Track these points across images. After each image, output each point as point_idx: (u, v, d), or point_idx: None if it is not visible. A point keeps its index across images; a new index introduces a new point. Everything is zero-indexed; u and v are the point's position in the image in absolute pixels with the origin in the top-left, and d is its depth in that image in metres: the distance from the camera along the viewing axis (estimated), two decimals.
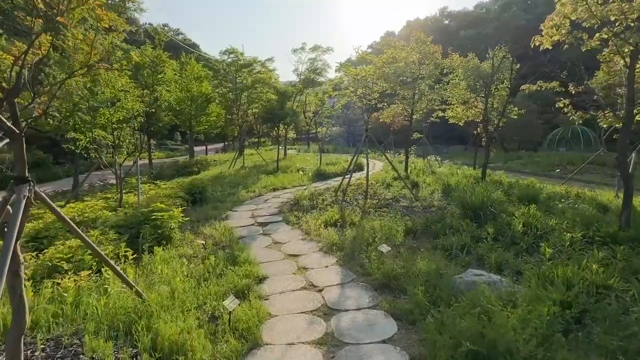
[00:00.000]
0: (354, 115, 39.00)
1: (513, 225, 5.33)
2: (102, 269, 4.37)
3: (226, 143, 41.29)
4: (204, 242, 5.28)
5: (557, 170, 19.09)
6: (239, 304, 3.57)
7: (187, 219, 6.81)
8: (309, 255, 5.31)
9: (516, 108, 12.74)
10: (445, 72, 12.63)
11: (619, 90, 8.18)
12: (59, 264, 4.47)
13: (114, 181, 12.34)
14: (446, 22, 60.07)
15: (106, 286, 3.87)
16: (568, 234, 4.62)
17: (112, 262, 3.53)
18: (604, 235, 4.68)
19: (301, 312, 3.65)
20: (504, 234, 5.21)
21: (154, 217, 5.88)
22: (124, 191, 9.22)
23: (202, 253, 5.25)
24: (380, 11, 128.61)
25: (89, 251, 4.83)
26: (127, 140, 7.21)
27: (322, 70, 21.69)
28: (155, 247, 5.44)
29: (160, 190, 8.30)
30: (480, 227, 5.58)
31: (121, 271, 3.60)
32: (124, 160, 8.14)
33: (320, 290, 4.16)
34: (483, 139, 10.29)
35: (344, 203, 8.10)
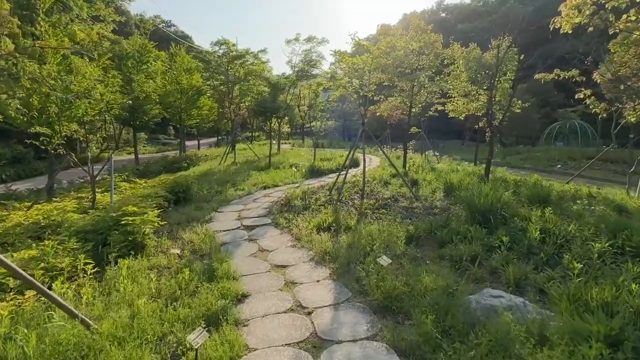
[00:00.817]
0: (350, 109, 38.26)
1: (529, 231, 4.73)
2: (53, 284, 3.73)
3: (219, 137, 40.41)
4: (179, 252, 4.64)
5: (558, 166, 18.59)
6: (210, 336, 2.94)
7: (164, 223, 6.14)
8: (298, 266, 4.68)
9: (520, 102, 12.16)
10: (445, 62, 11.99)
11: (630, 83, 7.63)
12: (3, 280, 3.81)
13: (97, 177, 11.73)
14: (443, 14, 59.20)
15: (52, 312, 3.22)
16: (594, 244, 4.02)
17: (44, 285, 2.86)
18: (636, 246, 4.08)
19: (286, 345, 3.03)
20: (519, 242, 4.60)
21: (124, 221, 5.22)
22: (101, 190, 8.55)
23: (176, 265, 4.59)
24: (376, 4, 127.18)
25: (43, 264, 4.20)
26: (97, 135, 6.48)
27: (317, 62, 20.94)
28: (125, 257, 4.80)
29: (137, 190, 7.60)
30: (491, 234, 4.97)
31: (58, 297, 2.94)
32: (98, 156, 7.43)
33: (309, 313, 3.54)
34: (487, 134, 9.68)
35: (338, 203, 7.48)
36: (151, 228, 5.56)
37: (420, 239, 5.17)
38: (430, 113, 15.08)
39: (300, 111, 26.49)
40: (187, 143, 38.32)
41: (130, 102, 16.26)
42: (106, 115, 6.47)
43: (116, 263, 4.75)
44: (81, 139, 6.72)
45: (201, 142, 37.76)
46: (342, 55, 7.43)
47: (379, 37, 10.37)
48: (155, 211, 5.98)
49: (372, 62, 7.73)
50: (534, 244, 4.52)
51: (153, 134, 48.93)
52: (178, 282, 4.03)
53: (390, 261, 4.18)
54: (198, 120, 27.12)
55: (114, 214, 5.32)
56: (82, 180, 12.12)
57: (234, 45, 22.78)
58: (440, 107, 14.08)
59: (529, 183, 9.04)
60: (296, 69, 19.91)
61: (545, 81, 7.63)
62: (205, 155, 22.66)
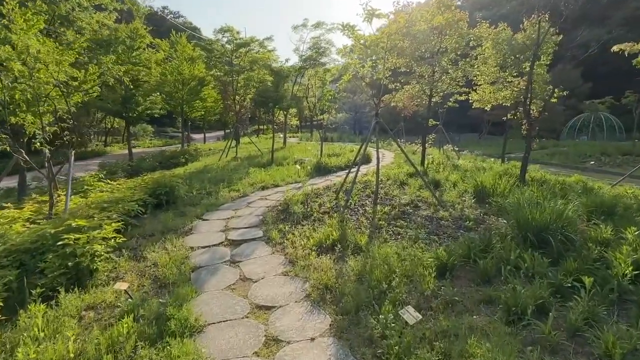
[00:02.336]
0: (361, 101, 36.65)
1: (614, 264, 3.34)
2: None
3: (226, 131, 39.33)
4: (126, 289, 3.43)
5: (592, 162, 16.85)
6: None
7: (122, 240, 4.90)
8: (288, 308, 3.40)
9: (557, 90, 10.57)
10: (471, 44, 10.46)
11: None
12: None
13: (85, 173, 10.54)
14: (459, 2, 56.68)
15: None
16: None
17: None
18: None
19: None
20: (602, 281, 3.23)
21: (65, 240, 4.01)
22: (75, 191, 7.40)
23: (121, 307, 3.36)
24: None
25: None
26: (42, 126, 5.21)
27: (326, 49, 19.51)
28: (58, 290, 3.61)
29: (103, 195, 6.40)
30: (555, 264, 3.62)
31: None
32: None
33: None
34: (523, 127, 8.19)
35: (346, 210, 6.17)
36: (104, 248, 4.34)
37: (455, 269, 3.82)
38: (450, 104, 13.58)
39: (308, 102, 25.12)
40: (195, 136, 37.41)
41: (131, 92, 15.25)
42: (51, 102, 5.19)
43: (52, 298, 3.59)
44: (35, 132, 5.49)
45: (209, 135, 36.77)
46: (351, 30, 6.05)
47: (396, 16, 8.91)
48: (115, 224, 4.76)
49: (389, 39, 6.33)
50: (626, 286, 3.15)
51: (161, 127, 48.16)
52: (110, 340, 2.79)
53: (420, 317, 2.86)
54: (203, 112, 25.95)
55: (52, 231, 4.12)
56: (64, 178, 11.00)
57: (238, 32, 21.47)
58: (459, 97, 12.58)
59: (574, 186, 7.57)
60: (304, 56, 18.54)
61: (573, 70, 6.25)
62: (209, 149, 21.54)
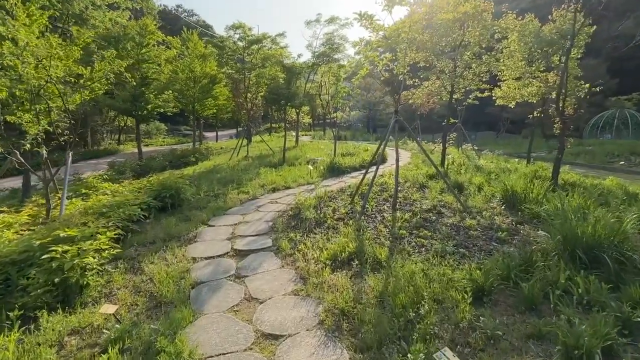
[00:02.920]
0: (375, 98, 35.92)
1: None
2: None
3: (239, 129, 39.17)
4: (114, 312, 3.01)
5: (621, 162, 15.89)
6: None
7: (117, 251, 4.51)
8: (298, 338, 2.92)
9: (586, 85, 9.81)
10: (496, 37, 9.79)
11: None
12: None
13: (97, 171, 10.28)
14: None
15: None
16: None
17: None
18: None
19: None
20: None
21: (52, 253, 3.62)
22: (78, 193, 7.11)
23: (108, 334, 2.93)
24: None
25: None
26: (32, 123, 4.83)
27: (340, 45, 18.94)
28: (41, 310, 3.22)
29: (103, 198, 6.03)
30: (616, 288, 3.05)
31: None
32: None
33: None
34: (555, 126, 7.51)
35: (363, 217, 5.65)
36: (98, 260, 3.94)
37: (492, 292, 3.28)
38: (470, 101, 12.93)
39: (321, 100, 24.59)
40: (207, 134, 37.30)
41: (141, 90, 14.99)
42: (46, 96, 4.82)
43: (35, 319, 3.22)
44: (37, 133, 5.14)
45: (221, 133, 36.63)
46: (370, 20, 5.51)
47: (415, 6, 8.32)
48: (110, 233, 4.36)
49: (410, 29, 5.77)
50: None
51: (174, 125, 48.33)
52: None
53: None
54: (214, 110, 25.69)
55: (37, 242, 3.73)
56: (78, 175, 10.73)
57: (250, 29, 21.07)
58: (480, 94, 11.90)
59: (615, 191, 6.89)
60: (317, 52, 18.01)
61: (600, 65, 5.59)
62: (221, 148, 21.27)
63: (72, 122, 5.39)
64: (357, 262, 4.06)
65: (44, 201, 6.19)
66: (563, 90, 7.05)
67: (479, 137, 37.09)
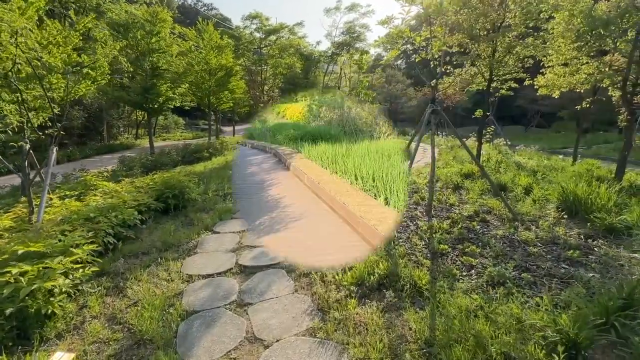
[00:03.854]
0: (397, 91, 34.56)
1: None
2: None
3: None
4: (74, 357, 2.25)
5: None
6: None
7: (94, 269, 3.77)
8: None
9: None
10: (542, 17, 8.58)
11: None
12: None
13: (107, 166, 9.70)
14: None
15: None
16: None
17: None
18: None
19: None
20: None
21: (6, 276, 2.89)
22: (72, 193, 6.49)
23: None
24: None
25: None
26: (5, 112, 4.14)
27: (361, 34, 17.98)
28: None
29: (95, 199, 5.33)
30: None
31: None
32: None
33: None
34: (622, 117, 6.34)
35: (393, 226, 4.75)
36: (70, 282, 3.20)
37: (588, 352, 2.33)
38: (503, 91, 11.72)
39: (342, 92, 23.63)
40: (225, 129, 36.87)
41: (153, 81, 14.42)
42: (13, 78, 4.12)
43: None
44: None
45: (238, 127, 36.04)
46: None
47: None
48: (88, 247, 3.61)
49: (451, 2, 4.78)
50: None
51: (192, 120, 48.25)
52: None
53: None
54: (231, 104, 25.06)
55: None
56: (74, 173, 10.18)
57: (267, 19, 20.28)
58: (514, 85, 10.75)
59: None
60: (337, 41, 17.10)
61: None
62: (237, 142, 20.62)
63: (58, 112, 4.70)
64: (390, 290, 3.17)
65: (36, 202, 5.57)
66: (633, 76, 5.89)
67: (505, 131, 35.35)
